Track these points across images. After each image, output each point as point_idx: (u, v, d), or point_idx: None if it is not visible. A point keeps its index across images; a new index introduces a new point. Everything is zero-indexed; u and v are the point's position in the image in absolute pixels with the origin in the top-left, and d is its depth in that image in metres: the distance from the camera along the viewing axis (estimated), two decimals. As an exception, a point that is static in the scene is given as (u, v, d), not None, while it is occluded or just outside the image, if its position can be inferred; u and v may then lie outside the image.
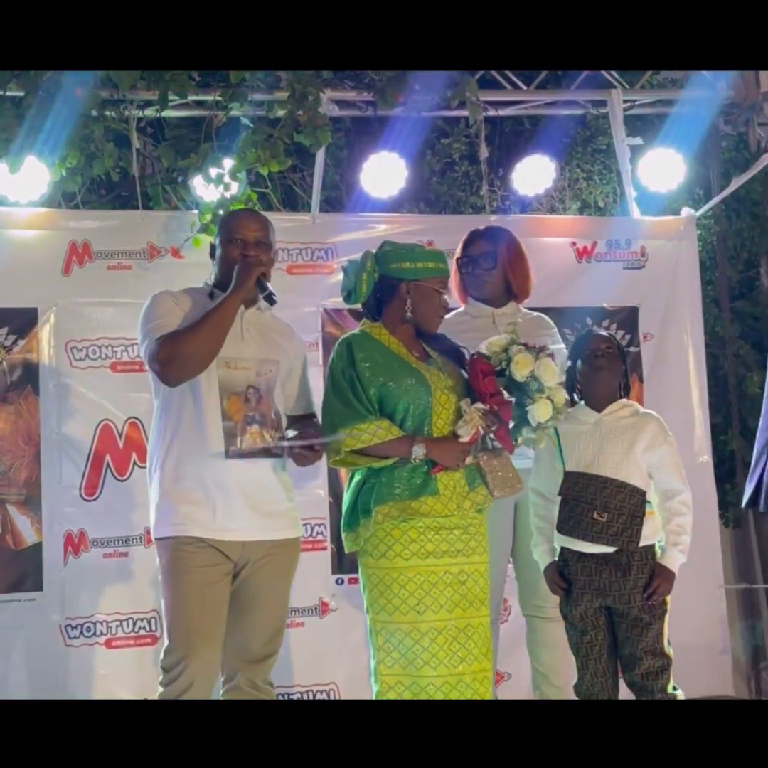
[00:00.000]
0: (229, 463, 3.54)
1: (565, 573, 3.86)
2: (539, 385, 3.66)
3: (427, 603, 3.53)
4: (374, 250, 3.73)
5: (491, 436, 3.61)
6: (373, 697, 3.59)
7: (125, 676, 4.86)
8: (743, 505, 4.22)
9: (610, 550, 3.75)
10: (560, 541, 3.85)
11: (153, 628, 4.89)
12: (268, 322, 3.74)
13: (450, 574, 3.57)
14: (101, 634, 4.88)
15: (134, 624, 4.91)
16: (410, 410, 3.60)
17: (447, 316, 3.88)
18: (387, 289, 3.69)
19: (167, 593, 3.56)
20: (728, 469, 5.84)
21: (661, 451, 3.82)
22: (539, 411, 3.67)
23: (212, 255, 3.78)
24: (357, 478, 3.65)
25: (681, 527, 3.81)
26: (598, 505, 3.73)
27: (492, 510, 3.74)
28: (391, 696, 3.53)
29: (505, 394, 3.65)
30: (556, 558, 3.90)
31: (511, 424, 3.68)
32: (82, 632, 4.86)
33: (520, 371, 3.65)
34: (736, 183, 5.64)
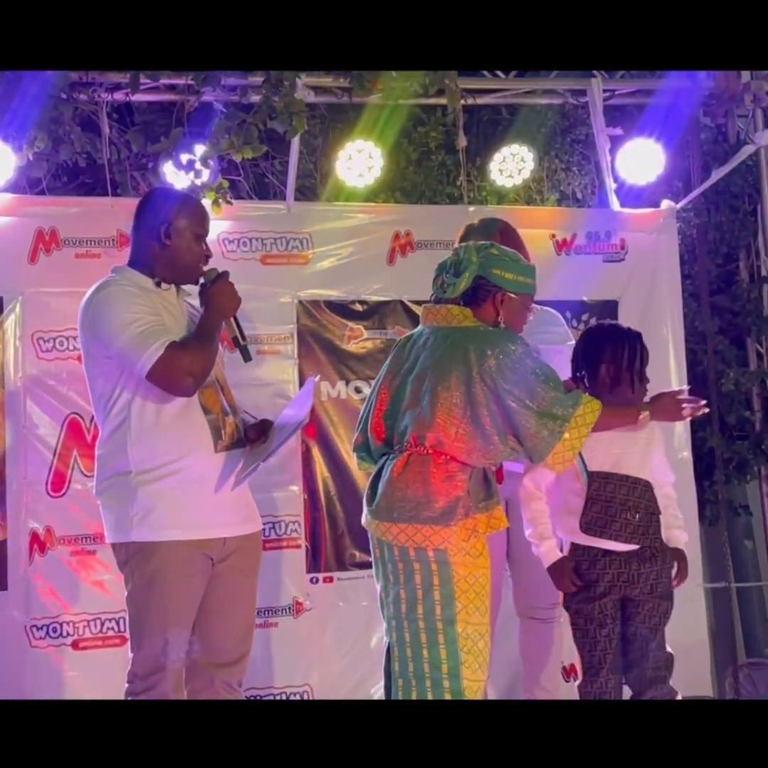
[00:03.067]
0: (218, 457, 3.45)
1: (580, 569, 3.73)
2: None
3: (487, 605, 3.44)
4: (479, 247, 3.59)
5: None
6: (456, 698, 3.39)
7: (93, 678, 4.68)
8: None
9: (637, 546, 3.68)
10: (583, 540, 3.73)
11: (121, 629, 4.70)
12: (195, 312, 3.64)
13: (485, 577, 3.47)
14: (68, 634, 4.72)
15: (102, 625, 4.74)
16: None
17: None
18: (481, 290, 3.54)
19: (148, 600, 3.40)
20: (706, 466, 5.76)
21: (658, 440, 3.76)
22: None
23: (166, 234, 3.54)
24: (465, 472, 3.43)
25: (677, 509, 3.82)
26: (631, 505, 3.64)
27: None
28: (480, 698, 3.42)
29: None
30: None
31: None
32: (47, 633, 4.70)
33: None
34: (716, 175, 5.56)
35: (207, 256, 3.59)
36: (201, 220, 3.62)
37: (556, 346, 4.09)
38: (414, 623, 3.37)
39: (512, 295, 3.53)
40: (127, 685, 3.44)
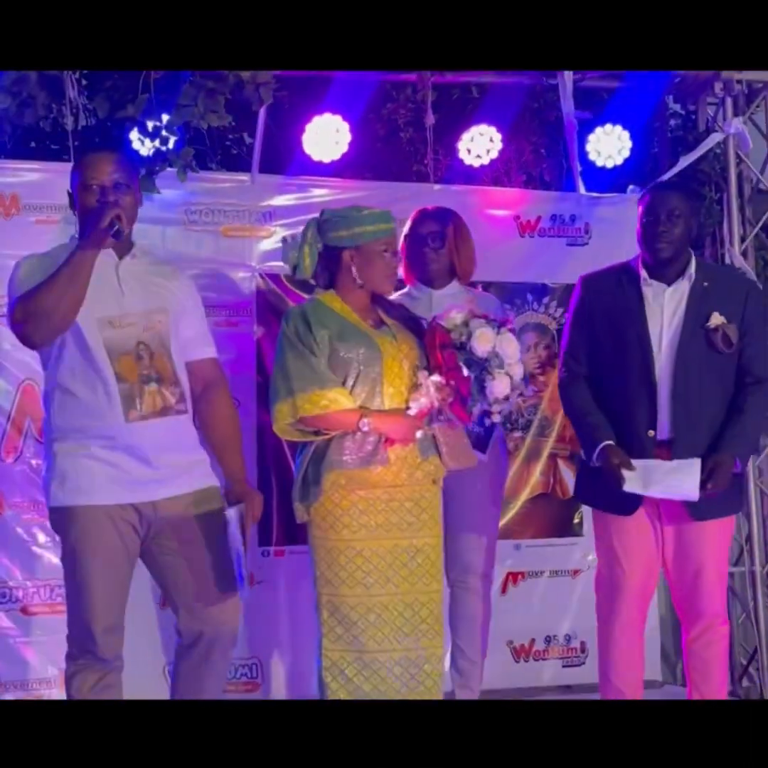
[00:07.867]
0: (131, 426, 3.39)
1: None
2: (500, 361, 3.57)
3: (374, 577, 3.52)
4: (315, 220, 3.70)
5: (447, 407, 3.56)
6: (316, 673, 3.59)
7: (42, 644, 4.68)
8: None
9: None
10: None
11: (71, 596, 4.73)
12: (148, 269, 3.57)
13: (399, 548, 3.53)
14: (17, 600, 4.71)
15: (51, 591, 4.72)
16: (359, 378, 3.57)
17: (390, 297, 3.87)
18: (332, 259, 3.66)
19: (71, 571, 3.44)
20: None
21: None
22: (499, 387, 3.57)
23: (72, 205, 3.57)
24: (309, 446, 3.59)
25: None
26: None
27: None
28: (334, 672, 3.52)
29: (464, 369, 3.53)
30: None
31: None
32: (-4, 597, 4.70)
33: (481, 346, 3.55)
34: (683, 162, 5.55)
35: (100, 200, 3.44)
36: (79, 171, 3.55)
37: None
38: None
39: (358, 248, 3.63)
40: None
